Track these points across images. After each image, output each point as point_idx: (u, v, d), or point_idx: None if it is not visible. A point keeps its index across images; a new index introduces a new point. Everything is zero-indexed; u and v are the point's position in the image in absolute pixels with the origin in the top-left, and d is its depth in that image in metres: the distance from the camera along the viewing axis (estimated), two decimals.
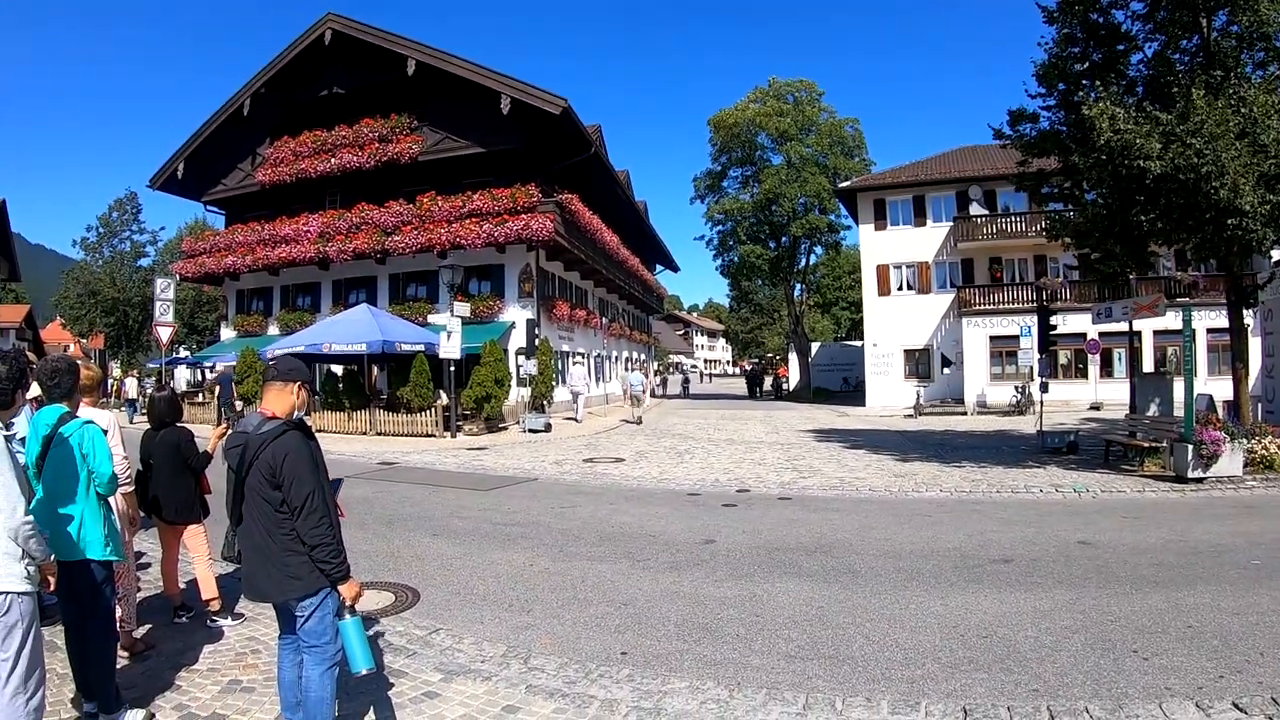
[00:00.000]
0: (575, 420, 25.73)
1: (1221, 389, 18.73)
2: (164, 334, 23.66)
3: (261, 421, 3.59)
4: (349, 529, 8.92)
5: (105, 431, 4.43)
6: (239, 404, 26.61)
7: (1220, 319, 18.27)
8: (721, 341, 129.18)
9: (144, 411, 7.39)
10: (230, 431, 3.92)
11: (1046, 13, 14.32)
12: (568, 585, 6.98)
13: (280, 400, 3.66)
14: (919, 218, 33.57)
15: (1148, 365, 27.45)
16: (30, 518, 3.41)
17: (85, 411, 4.99)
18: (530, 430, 21.56)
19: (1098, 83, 13.12)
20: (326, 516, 3.47)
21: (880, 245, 34.15)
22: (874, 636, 5.56)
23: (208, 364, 32.88)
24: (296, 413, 3.70)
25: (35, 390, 4.64)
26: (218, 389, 24.94)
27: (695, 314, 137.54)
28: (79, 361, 4.76)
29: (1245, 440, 12.44)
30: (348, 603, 3.50)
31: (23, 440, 4.09)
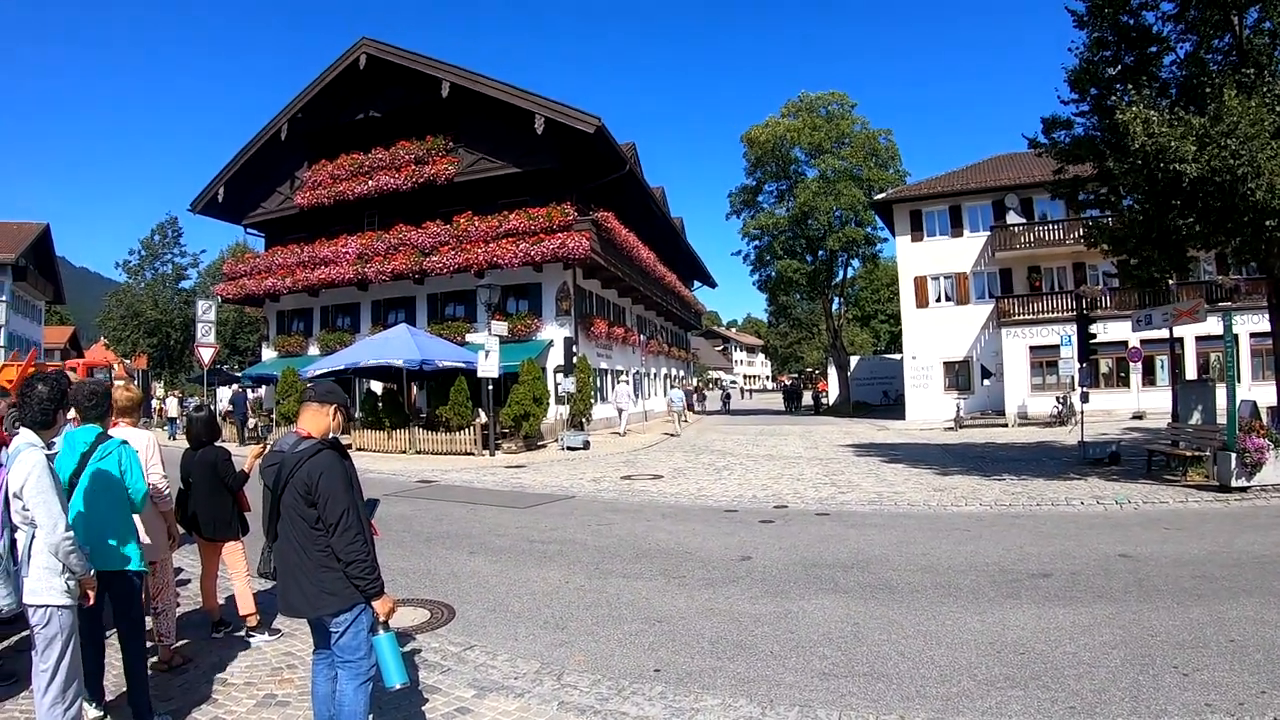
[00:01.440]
0: (619, 434, 26.33)
1: (1266, 395, 18.28)
2: (205, 355, 24.14)
3: (297, 441, 3.68)
4: (387, 547, 9.09)
5: (138, 452, 4.63)
6: (252, 421, 27.13)
7: (1263, 323, 17.88)
8: (761, 357, 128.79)
9: (184, 430, 7.58)
10: (267, 450, 4.03)
11: (1076, 17, 14.19)
12: (603, 602, 7.00)
13: (316, 421, 3.75)
14: (955, 228, 33.27)
15: (1190, 372, 26.80)
16: (70, 533, 3.55)
17: (125, 431, 5.20)
18: (569, 448, 21.63)
19: (1130, 86, 12.92)
20: (361, 534, 3.53)
21: (917, 256, 33.88)
22: (909, 653, 5.51)
23: (248, 384, 33.47)
24: (331, 434, 3.79)
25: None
26: (231, 409, 25.58)
27: (734, 329, 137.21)
28: (120, 382, 4.95)
29: None
30: (381, 618, 3.56)
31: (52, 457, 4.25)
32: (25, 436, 3.67)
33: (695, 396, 48.00)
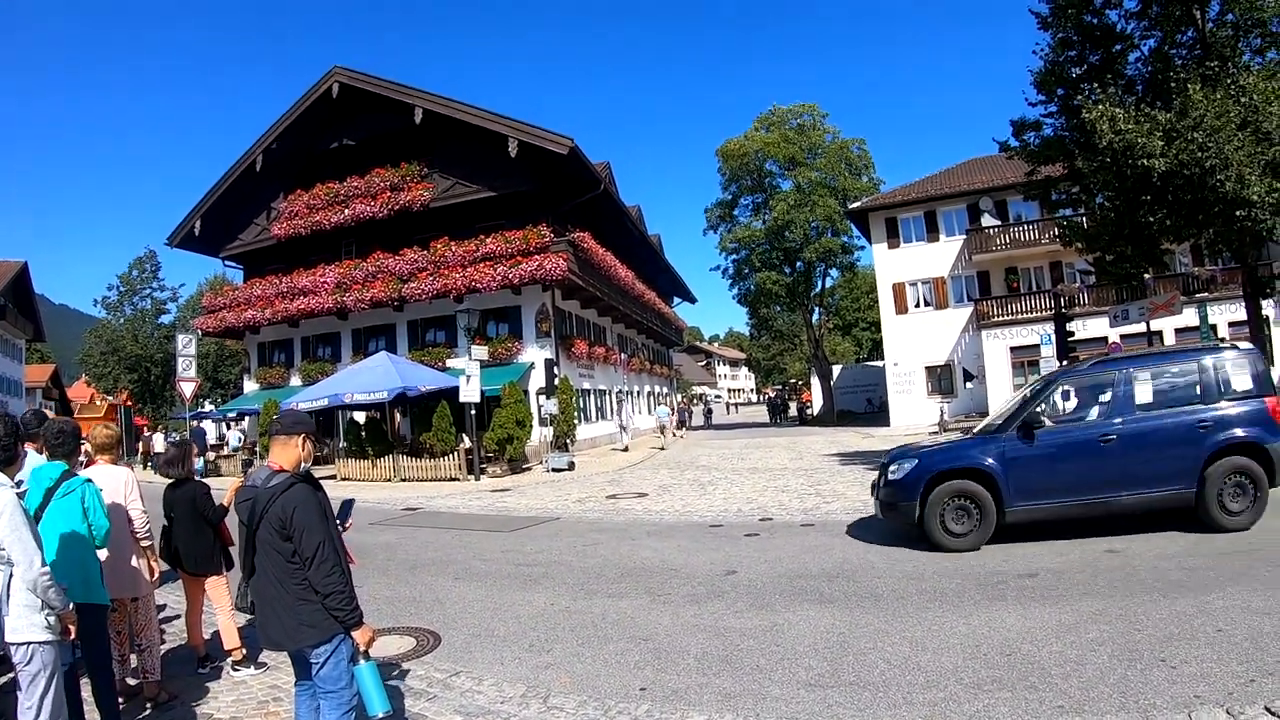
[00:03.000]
0: (623, 450, 27.66)
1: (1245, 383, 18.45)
2: (187, 389, 23.96)
3: (270, 475, 3.69)
4: (372, 575, 9.06)
5: (102, 490, 4.65)
6: (210, 454, 27.05)
7: (1240, 311, 18.07)
8: (744, 370, 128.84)
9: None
10: (241, 485, 4.03)
11: (1040, 19, 14.41)
12: (588, 623, 6.96)
13: (286, 453, 3.76)
14: (931, 233, 33.50)
15: None
16: (47, 569, 3.56)
17: (104, 469, 5.21)
18: (554, 469, 21.57)
19: (1096, 85, 13.13)
20: (338, 565, 3.54)
21: (894, 263, 34.08)
22: (896, 660, 5.50)
23: (231, 416, 33.37)
24: (303, 465, 3.79)
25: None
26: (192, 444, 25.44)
27: (716, 344, 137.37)
28: (94, 420, 5.02)
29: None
30: (361, 648, 3.56)
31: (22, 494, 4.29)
32: None
33: (686, 413, 48.12)
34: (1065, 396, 9.76)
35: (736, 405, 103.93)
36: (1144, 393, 8.99)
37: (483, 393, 20.96)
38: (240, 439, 32.86)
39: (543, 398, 24.00)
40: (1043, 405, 9.24)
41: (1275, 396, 8.84)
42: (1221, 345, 9.89)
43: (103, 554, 4.58)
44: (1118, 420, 8.83)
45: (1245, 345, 9.77)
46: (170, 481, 6.22)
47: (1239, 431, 8.63)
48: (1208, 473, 8.56)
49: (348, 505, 4.24)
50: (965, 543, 8.75)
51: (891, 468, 9.52)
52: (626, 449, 28.77)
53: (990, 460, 8.91)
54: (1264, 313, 14.83)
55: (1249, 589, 6.43)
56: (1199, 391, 8.93)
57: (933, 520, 8.87)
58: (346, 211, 28.04)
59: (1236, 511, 8.51)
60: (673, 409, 39.17)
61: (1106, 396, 9.10)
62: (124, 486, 5.25)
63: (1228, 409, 8.76)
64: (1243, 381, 8.90)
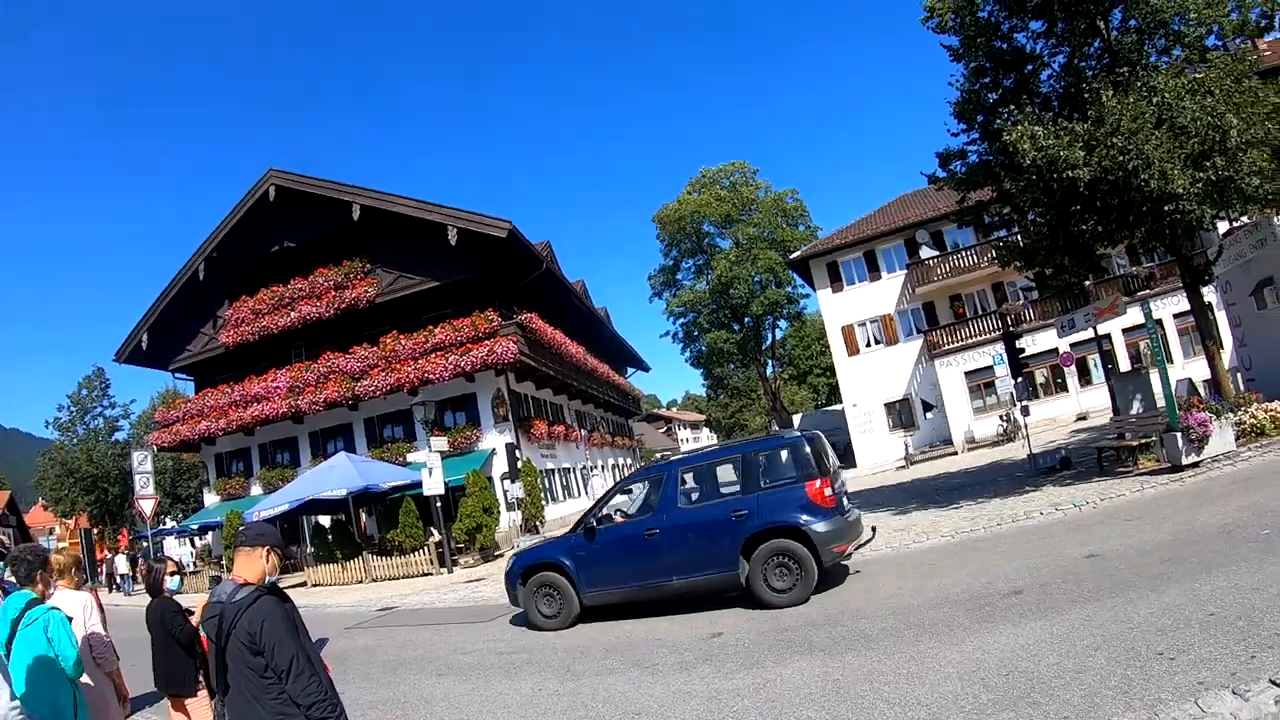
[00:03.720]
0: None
1: (1200, 370, 18.87)
2: (146, 507, 23.33)
3: (235, 589, 3.58)
4: (354, 680, 8.78)
5: (70, 619, 4.52)
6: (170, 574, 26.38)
7: (1183, 302, 18.44)
8: (706, 431, 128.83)
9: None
10: (207, 601, 3.92)
11: (952, 51, 14.75)
12: (578, 704, 6.75)
13: (250, 566, 3.67)
14: (873, 272, 34.05)
15: (1125, 364, 27.39)
16: (17, 703, 3.44)
17: (63, 594, 5.03)
18: None
19: (1013, 107, 13.40)
20: (315, 675, 3.41)
21: (840, 307, 34.52)
22: (894, 699, 5.39)
23: (193, 529, 32.64)
24: (268, 577, 3.70)
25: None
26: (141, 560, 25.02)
27: (675, 409, 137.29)
28: (62, 545, 4.88)
29: (1232, 414, 12.58)
30: None
31: None
32: None
33: None
34: (629, 497, 11.06)
35: None
36: (687, 489, 10.04)
37: (446, 484, 20.67)
38: (190, 556, 32.15)
39: (507, 482, 23.75)
40: (604, 509, 10.46)
41: (816, 479, 9.21)
42: (774, 436, 11.38)
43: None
44: (663, 515, 9.75)
45: (794, 433, 10.37)
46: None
47: (775, 517, 9.14)
48: (753, 556, 9.10)
49: (319, 644, 4.12)
50: (554, 623, 10.17)
51: (506, 563, 11.33)
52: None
53: (563, 556, 10.29)
54: (1206, 299, 15.18)
55: (1233, 569, 6.36)
56: (740, 482, 9.62)
57: (529, 604, 10.45)
58: (293, 314, 27.88)
59: (781, 589, 8.96)
60: None
61: (655, 496, 10.07)
62: (83, 612, 5.11)
63: (767, 496, 9.35)
64: (787, 469, 9.52)
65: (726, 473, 9.87)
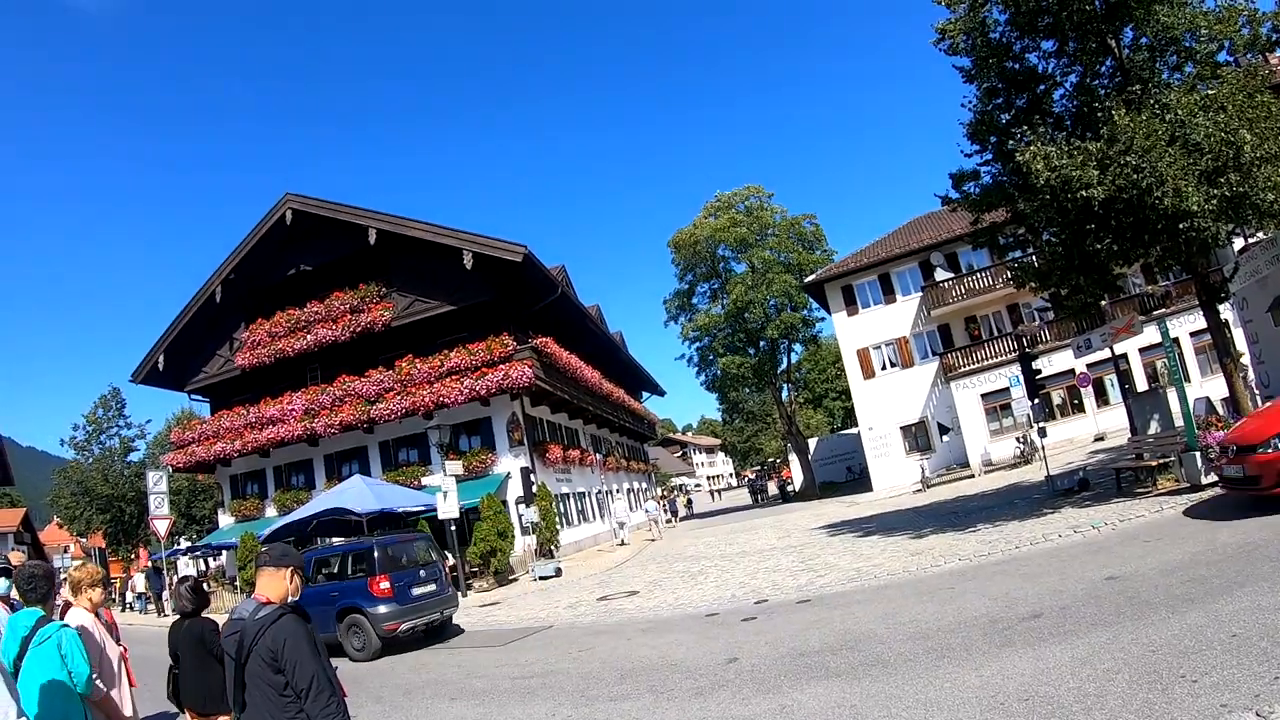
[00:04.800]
0: (657, 540, 29.72)
1: (1218, 389, 18.69)
2: (161, 527, 23.41)
3: (257, 607, 3.63)
4: (366, 703, 8.77)
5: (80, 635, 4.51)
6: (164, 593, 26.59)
7: (1199, 321, 18.25)
8: (721, 455, 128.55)
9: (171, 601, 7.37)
10: (228, 619, 3.94)
11: (965, 72, 14.78)
12: None
13: (274, 585, 3.71)
14: (888, 295, 33.98)
15: (1141, 384, 27.07)
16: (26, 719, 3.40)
17: (75, 613, 5.03)
18: (541, 577, 21.14)
19: (1026, 127, 13.38)
20: (334, 696, 3.44)
21: (856, 330, 34.45)
22: None
23: (211, 547, 32.75)
24: (290, 598, 3.72)
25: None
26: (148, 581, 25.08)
27: (690, 433, 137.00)
28: (78, 562, 4.89)
29: None
30: None
31: None
32: None
33: (681, 504, 51.05)
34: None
35: (719, 491, 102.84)
36: (320, 570, 13.87)
37: (461, 507, 20.65)
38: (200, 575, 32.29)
39: (522, 506, 23.71)
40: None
41: (378, 576, 12.67)
42: (364, 540, 14.39)
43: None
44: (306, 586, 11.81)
45: (367, 540, 14.05)
46: (174, 620, 6.04)
47: (348, 600, 12.92)
48: (342, 624, 12.82)
49: None
50: (362, 655, 12.54)
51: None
52: (624, 543, 29.25)
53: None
54: (1222, 317, 15.05)
55: (1256, 589, 6.27)
56: (342, 571, 13.62)
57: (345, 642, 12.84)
58: (309, 337, 27.99)
59: (358, 648, 12.66)
60: (658, 502, 40.16)
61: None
62: (93, 627, 5.10)
63: (348, 585, 13.15)
64: (363, 565, 13.15)
65: (337, 562, 13.89)
